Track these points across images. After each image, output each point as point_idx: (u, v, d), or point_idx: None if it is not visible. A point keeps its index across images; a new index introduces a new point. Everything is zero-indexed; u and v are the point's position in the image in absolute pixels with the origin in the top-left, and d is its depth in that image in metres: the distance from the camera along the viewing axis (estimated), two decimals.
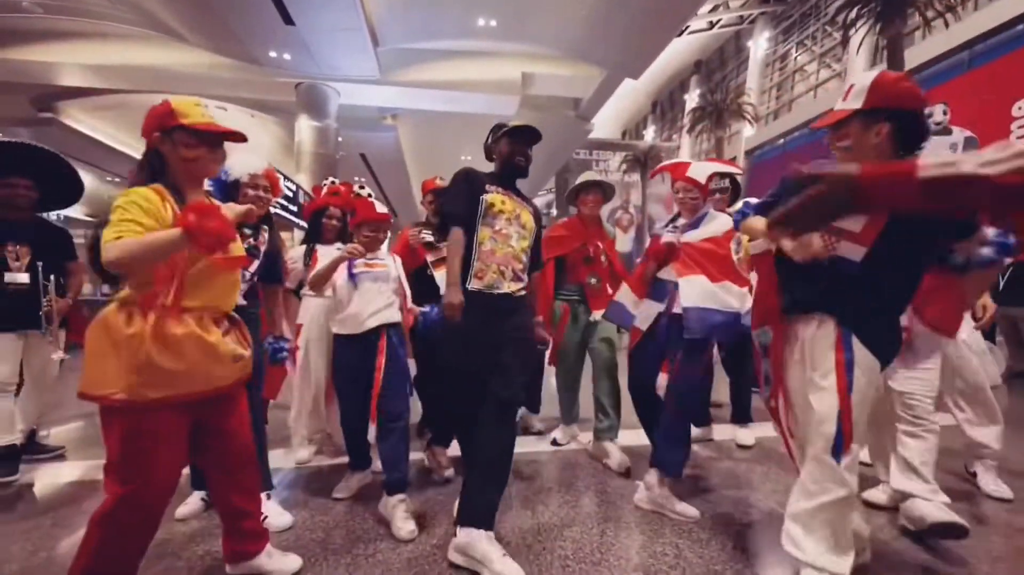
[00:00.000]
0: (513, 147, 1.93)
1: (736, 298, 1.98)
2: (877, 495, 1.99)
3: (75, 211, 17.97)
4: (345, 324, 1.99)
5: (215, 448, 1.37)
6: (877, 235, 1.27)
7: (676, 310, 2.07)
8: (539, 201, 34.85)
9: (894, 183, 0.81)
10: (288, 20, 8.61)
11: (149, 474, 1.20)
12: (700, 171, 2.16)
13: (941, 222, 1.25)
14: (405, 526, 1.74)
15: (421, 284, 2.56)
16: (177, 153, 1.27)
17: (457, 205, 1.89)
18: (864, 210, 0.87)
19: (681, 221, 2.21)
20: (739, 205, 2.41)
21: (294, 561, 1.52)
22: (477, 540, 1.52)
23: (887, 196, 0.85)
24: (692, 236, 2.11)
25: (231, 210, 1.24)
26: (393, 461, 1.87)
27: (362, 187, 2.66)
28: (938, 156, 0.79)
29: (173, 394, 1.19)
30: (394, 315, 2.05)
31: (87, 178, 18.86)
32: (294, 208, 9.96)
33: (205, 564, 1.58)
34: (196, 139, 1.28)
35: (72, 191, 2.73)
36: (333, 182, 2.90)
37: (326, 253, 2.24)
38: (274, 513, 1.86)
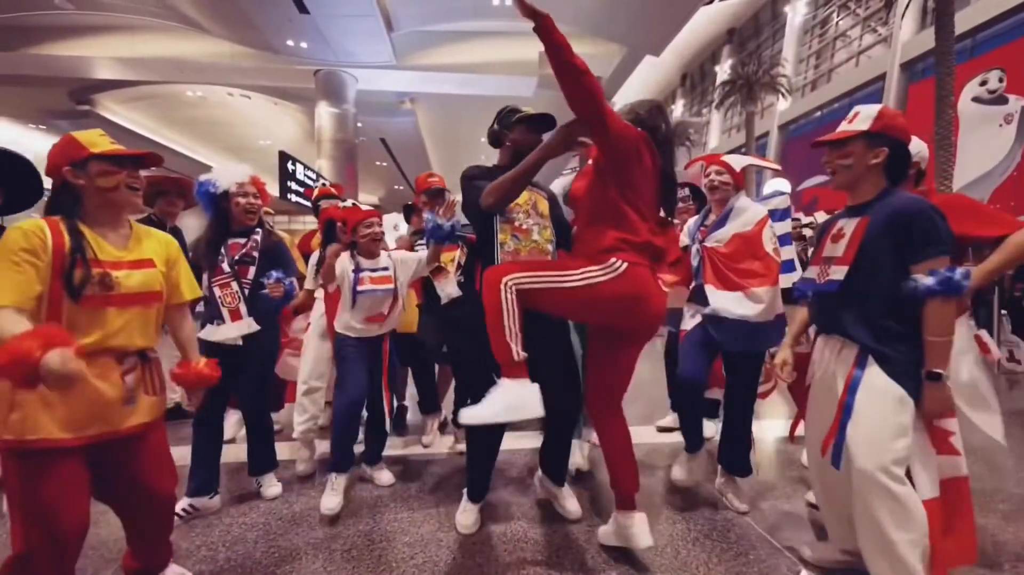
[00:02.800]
0: (529, 137, 1.85)
1: (748, 305, 1.92)
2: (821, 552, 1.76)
3: None
4: (349, 327, 2.17)
5: (120, 495, 1.32)
6: (855, 251, 1.41)
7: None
8: (563, 181, 34.31)
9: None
10: (302, 8, 8.66)
11: (48, 523, 1.11)
12: (737, 160, 2.15)
13: (900, 242, 1.35)
14: (383, 475, 2.29)
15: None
16: (95, 184, 1.21)
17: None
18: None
19: (712, 218, 2.16)
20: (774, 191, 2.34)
21: None
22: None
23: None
24: (718, 238, 2.06)
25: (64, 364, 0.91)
26: (380, 440, 2.33)
27: (344, 199, 2.75)
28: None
29: (51, 437, 1.11)
30: (393, 325, 2.25)
31: None
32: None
33: (201, 554, 1.74)
34: (114, 165, 1.23)
35: (33, 193, 2.52)
36: (324, 184, 3.01)
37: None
38: (267, 483, 2.18)
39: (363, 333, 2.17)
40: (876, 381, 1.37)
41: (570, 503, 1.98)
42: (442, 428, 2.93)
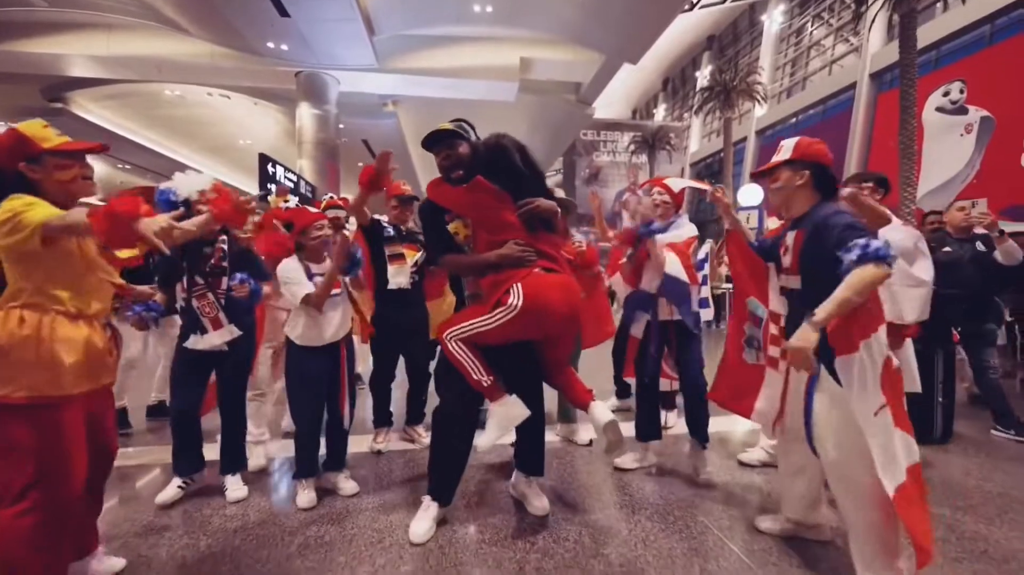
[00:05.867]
0: (438, 159, 1.90)
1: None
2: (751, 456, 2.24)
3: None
4: (306, 337, 2.16)
5: (95, 441, 1.45)
6: (796, 260, 1.60)
7: (662, 318, 2.42)
8: (547, 182, 34.64)
9: None
10: (283, 12, 8.69)
11: (68, 470, 1.28)
12: (675, 183, 2.54)
13: (827, 244, 1.48)
14: (347, 484, 2.26)
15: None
16: (52, 177, 1.31)
17: (430, 245, 2.06)
18: None
19: (656, 225, 2.47)
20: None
21: (118, 563, 1.65)
22: None
23: None
24: (659, 239, 2.39)
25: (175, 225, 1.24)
26: (342, 448, 2.31)
27: (286, 200, 2.84)
28: None
29: (74, 391, 1.30)
30: (347, 328, 2.27)
31: (98, 165, 19.31)
32: (295, 198, 10.18)
33: (185, 547, 1.86)
34: (68, 159, 1.33)
35: None
36: (332, 197, 3.13)
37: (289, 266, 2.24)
38: (233, 486, 2.23)
39: (316, 341, 2.15)
40: (827, 384, 1.51)
41: (539, 501, 2.05)
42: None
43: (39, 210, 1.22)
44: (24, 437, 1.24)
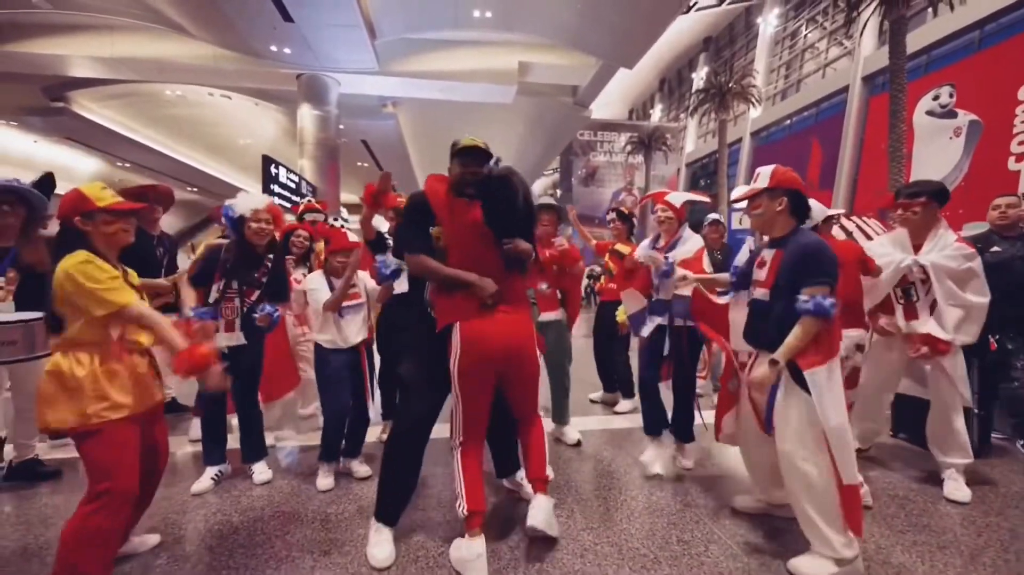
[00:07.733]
0: (461, 170, 1.84)
1: None
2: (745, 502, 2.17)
3: None
4: (332, 340, 2.43)
5: (149, 448, 1.69)
6: (773, 279, 1.78)
7: (677, 323, 2.52)
8: (544, 182, 34.97)
9: None
10: (287, 17, 8.85)
11: (129, 478, 1.54)
12: (676, 198, 2.64)
13: (799, 271, 1.71)
14: (361, 469, 2.51)
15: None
16: (100, 231, 1.58)
17: (409, 237, 1.89)
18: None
19: (662, 243, 2.64)
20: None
21: (153, 539, 1.90)
22: None
23: None
24: (670, 258, 2.53)
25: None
26: (360, 438, 2.57)
27: (336, 219, 3.07)
28: None
29: (126, 414, 1.54)
30: (365, 333, 2.54)
31: (98, 163, 19.42)
32: (296, 199, 10.34)
33: (217, 531, 2.07)
34: (113, 217, 1.60)
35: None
36: (310, 200, 3.34)
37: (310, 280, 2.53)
38: (259, 470, 2.47)
39: (340, 343, 2.41)
40: (789, 387, 1.72)
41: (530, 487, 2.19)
42: None
43: (122, 294, 1.51)
44: (100, 454, 1.52)
